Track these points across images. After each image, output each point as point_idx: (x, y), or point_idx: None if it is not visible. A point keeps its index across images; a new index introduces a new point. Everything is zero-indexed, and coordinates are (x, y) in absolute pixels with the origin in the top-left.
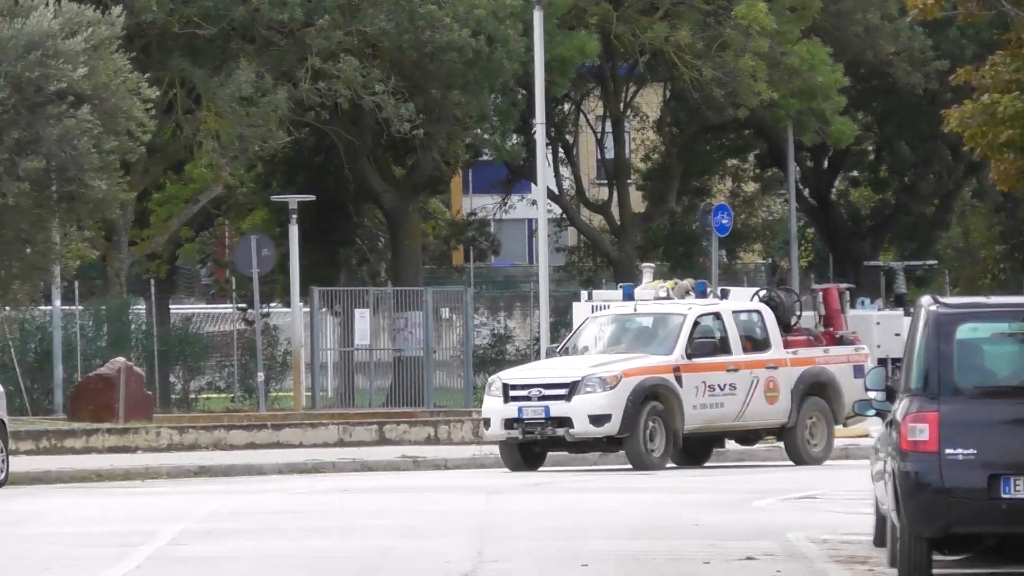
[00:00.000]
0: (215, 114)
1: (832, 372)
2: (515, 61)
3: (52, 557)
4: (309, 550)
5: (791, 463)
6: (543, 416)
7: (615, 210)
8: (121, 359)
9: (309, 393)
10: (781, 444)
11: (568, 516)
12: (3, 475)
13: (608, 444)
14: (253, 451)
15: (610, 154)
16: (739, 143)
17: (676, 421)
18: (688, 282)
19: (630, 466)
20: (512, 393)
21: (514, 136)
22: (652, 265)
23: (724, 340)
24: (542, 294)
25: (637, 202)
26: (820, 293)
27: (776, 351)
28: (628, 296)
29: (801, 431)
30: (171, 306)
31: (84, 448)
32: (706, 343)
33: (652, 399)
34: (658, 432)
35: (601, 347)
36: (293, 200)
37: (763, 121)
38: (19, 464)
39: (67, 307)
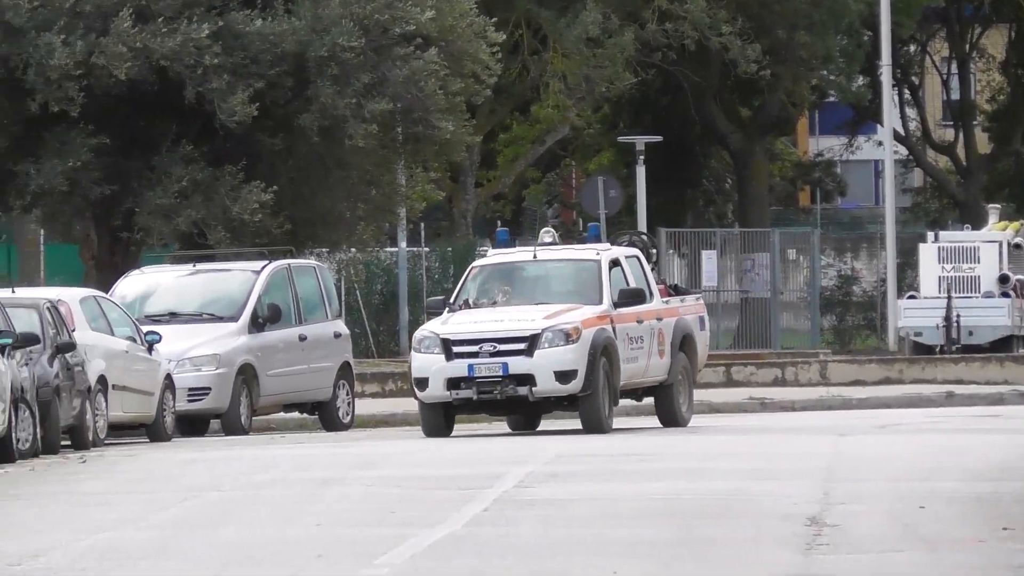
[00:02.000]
0: (562, 55)
1: (692, 324)
2: (861, 2)
3: (397, 500)
4: (654, 492)
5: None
6: (500, 373)
7: (960, 151)
8: None
9: None
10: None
11: (916, 459)
12: (349, 418)
13: (569, 403)
14: None
15: (956, 95)
16: None
17: (616, 377)
18: None
19: (580, 428)
20: (457, 349)
21: (859, 77)
22: (998, 206)
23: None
24: (888, 235)
25: (983, 143)
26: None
27: (657, 301)
28: (503, 243)
29: (677, 388)
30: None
31: None
32: (632, 292)
33: (603, 354)
34: (607, 389)
35: (511, 298)
36: (640, 141)
37: None
38: (365, 407)
39: (413, 248)
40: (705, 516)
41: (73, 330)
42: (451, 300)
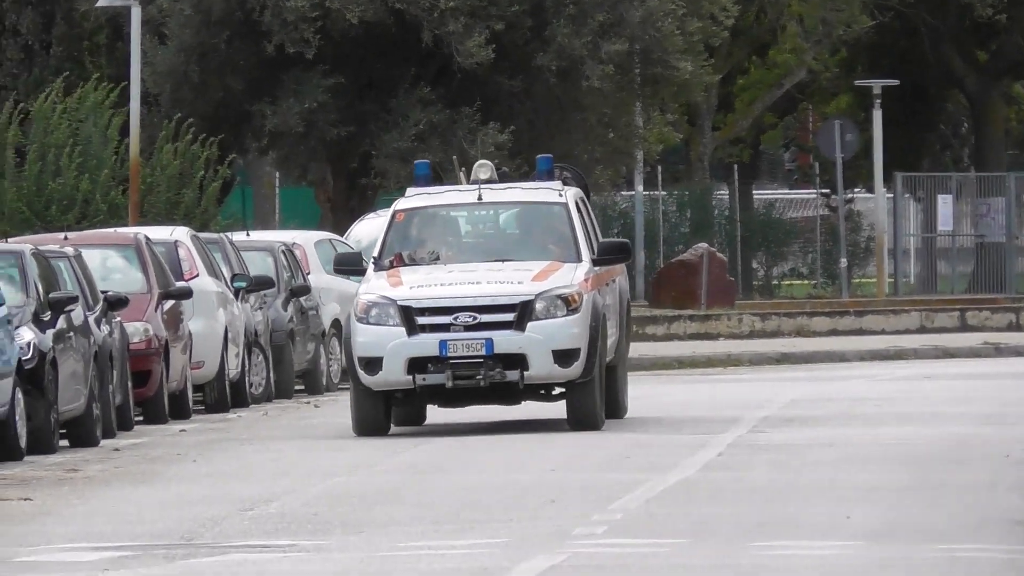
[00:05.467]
0: None
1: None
2: None
3: (632, 444)
4: (888, 437)
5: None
6: (484, 353)
7: None
8: (704, 245)
9: (891, 279)
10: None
11: None
12: None
13: (547, 391)
14: (835, 338)
15: None
16: None
17: (604, 359)
18: None
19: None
20: (422, 320)
21: None
22: None
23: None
24: None
25: None
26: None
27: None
28: (423, 178)
29: (622, 372)
30: (754, 191)
31: (665, 335)
32: (615, 245)
33: (601, 329)
34: (601, 375)
35: (459, 253)
36: (877, 85)
37: None
38: None
39: (650, 192)
40: (939, 461)
41: (308, 273)
42: (377, 254)
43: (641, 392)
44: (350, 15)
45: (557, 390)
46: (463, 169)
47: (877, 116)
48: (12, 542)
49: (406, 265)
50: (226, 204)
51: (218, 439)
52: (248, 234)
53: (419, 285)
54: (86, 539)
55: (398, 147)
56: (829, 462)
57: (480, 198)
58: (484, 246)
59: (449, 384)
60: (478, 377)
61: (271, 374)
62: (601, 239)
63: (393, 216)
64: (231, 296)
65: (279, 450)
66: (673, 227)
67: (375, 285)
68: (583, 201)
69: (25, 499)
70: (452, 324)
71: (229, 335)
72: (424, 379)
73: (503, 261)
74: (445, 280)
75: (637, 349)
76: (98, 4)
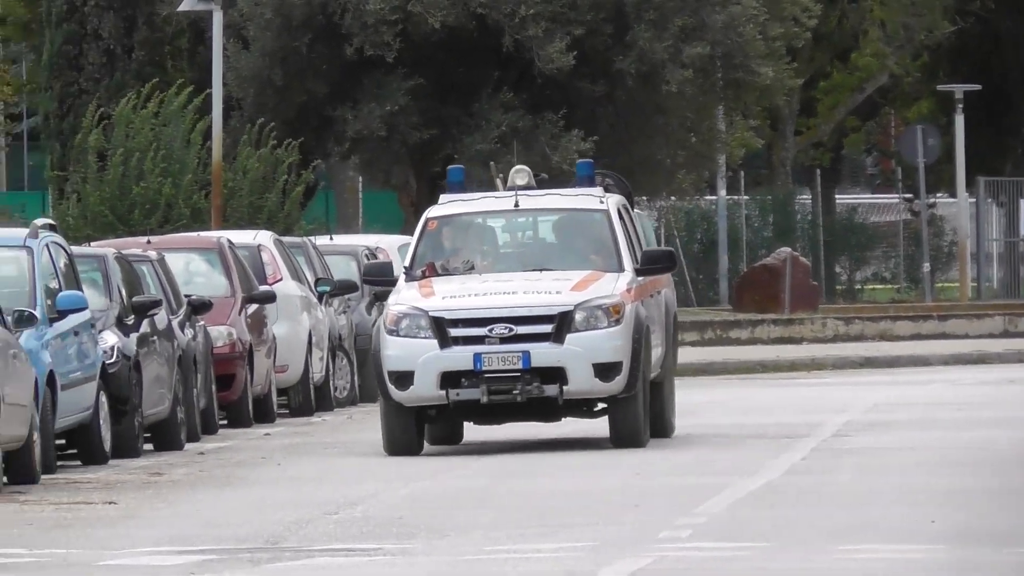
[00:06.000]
0: (880, 3)
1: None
2: None
3: (714, 449)
4: (971, 441)
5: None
6: (520, 366)
7: None
8: (787, 249)
9: (974, 283)
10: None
11: None
12: None
13: (588, 407)
14: (918, 342)
15: None
16: None
17: (648, 373)
18: None
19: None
20: (455, 332)
21: None
22: None
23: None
24: None
25: None
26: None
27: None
28: (456, 184)
29: (669, 389)
30: (836, 196)
31: (749, 339)
32: (660, 254)
33: (645, 341)
34: (645, 389)
35: (496, 262)
36: (959, 89)
37: None
38: (684, 355)
39: (732, 196)
40: (1021, 465)
41: None
42: (408, 264)
43: (725, 396)
44: (432, 19)
45: (599, 406)
46: (500, 176)
47: (959, 121)
48: (97, 545)
49: (439, 275)
50: (309, 208)
51: (302, 443)
52: (331, 238)
53: (452, 295)
54: (171, 543)
55: (480, 150)
56: (912, 466)
57: (517, 205)
58: (521, 255)
59: (484, 399)
60: (515, 392)
61: (355, 378)
62: (645, 248)
63: (425, 224)
64: (315, 300)
65: (363, 454)
66: (756, 231)
67: (406, 296)
68: (626, 208)
69: (110, 503)
70: (487, 336)
71: (313, 339)
72: (458, 394)
73: (541, 271)
74: (479, 290)
75: (721, 353)
76: (180, 8)
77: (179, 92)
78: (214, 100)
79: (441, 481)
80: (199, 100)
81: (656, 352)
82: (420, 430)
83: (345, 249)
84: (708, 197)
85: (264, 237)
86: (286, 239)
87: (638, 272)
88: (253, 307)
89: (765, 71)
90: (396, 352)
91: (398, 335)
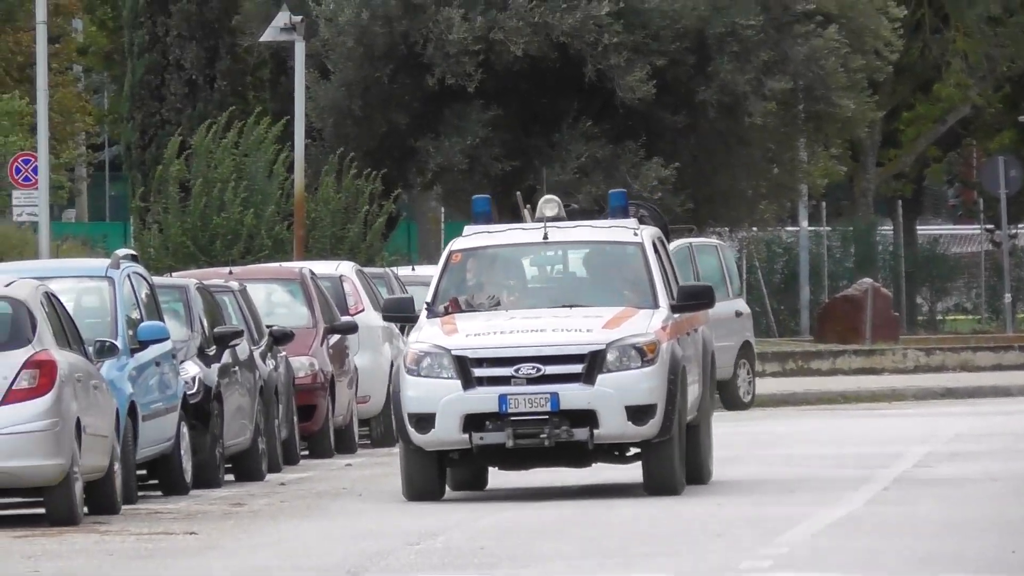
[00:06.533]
0: (963, 34)
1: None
2: None
3: (796, 479)
4: None
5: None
6: (548, 408)
7: None
8: (868, 280)
9: None
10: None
11: None
12: (749, 397)
13: (620, 452)
14: (999, 372)
15: None
16: None
17: (684, 416)
18: None
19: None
20: (479, 372)
21: None
22: None
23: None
24: None
25: None
26: None
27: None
28: (483, 214)
29: (705, 432)
30: (917, 227)
31: (830, 370)
32: (698, 290)
33: (681, 382)
34: (680, 433)
35: (522, 298)
36: None
37: None
38: (765, 386)
39: (814, 227)
40: None
41: None
42: (430, 299)
43: (807, 427)
44: (514, 47)
45: (631, 450)
46: (528, 206)
47: None
48: None
49: (463, 311)
50: (391, 239)
51: (384, 473)
52: (414, 268)
53: (476, 333)
54: (251, 573)
55: (561, 180)
56: (994, 496)
57: (546, 237)
58: (550, 291)
59: (510, 444)
60: (542, 436)
61: None
62: (681, 283)
63: (448, 257)
64: (396, 331)
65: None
66: (837, 262)
67: (428, 333)
68: (661, 241)
69: (191, 533)
70: (513, 376)
71: (395, 369)
72: (482, 438)
73: (571, 307)
74: (505, 328)
75: (802, 384)
76: (262, 39)
77: (258, 121)
78: (296, 130)
79: (525, 511)
80: (278, 129)
81: (692, 393)
82: (442, 474)
83: (427, 280)
84: (790, 228)
85: (346, 268)
86: (368, 270)
87: (674, 309)
88: (335, 338)
89: (846, 103)
90: (416, 393)
91: (419, 375)
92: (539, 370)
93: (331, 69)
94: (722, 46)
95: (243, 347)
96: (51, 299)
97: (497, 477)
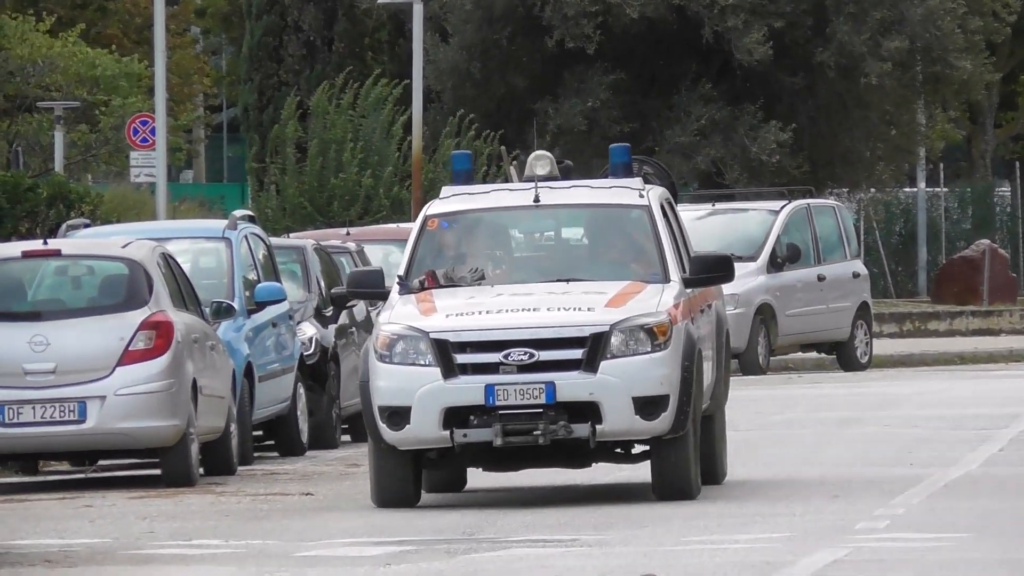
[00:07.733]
0: None
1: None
2: None
3: (914, 440)
4: None
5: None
6: (544, 401)
7: None
8: (986, 241)
9: None
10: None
11: None
12: (867, 358)
13: (625, 450)
14: None
15: None
16: None
17: (699, 406)
18: None
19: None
20: (462, 358)
21: None
22: None
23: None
24: None
25: None
26: None
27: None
28: (463, 173)
29: (719, 423)
30: None
31: (947, 331)
32: (715, 260)
33: (696, 368)
34: (695, 427)
35: (512, 270)
36: None
37: None
38: (882, 347)
39: (931, 189)
40: None
41: None
42: (403, 272)
43: (924, 388)
44: (631, 10)
45: (638, 448)
46: (515, 163)
47: None
48: (294, 537)
49: (441, 286)
50: None
51: None
52: None
53: (458, 313)
54: (367, 534)
55: (680, 142)
56: None
57: (537, 200)
58: (543, 262)
59: (498, 442)
60: (536, 433)
61: None
62: (694, 252)
63: (423, 223)
64: None
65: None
66: (955, 224)
67: (400, 313)
68: (670, 203)
69: (307, 494)
70: (502, 363)
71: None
72: (465, 435)
73: (568, 281)
74: (492, 306)
75: (920, 345)
76: (380, 1)
77: (376, 83)
78: (414, 92)
79: (643, 471)
80: (398, 91)
81: (706, 379)
82: (417, 477)
83: None
84: (907, 189)
85: None
86: None
87: (687, 283)
88: None
89: (964, 65)
90: (389, 383)
91: (391, 362)
92: (532, 356)
93: (450, 32)
94: (839, 7)
95: (360, 308)
96: (168, 260)
97: (476, 477)
